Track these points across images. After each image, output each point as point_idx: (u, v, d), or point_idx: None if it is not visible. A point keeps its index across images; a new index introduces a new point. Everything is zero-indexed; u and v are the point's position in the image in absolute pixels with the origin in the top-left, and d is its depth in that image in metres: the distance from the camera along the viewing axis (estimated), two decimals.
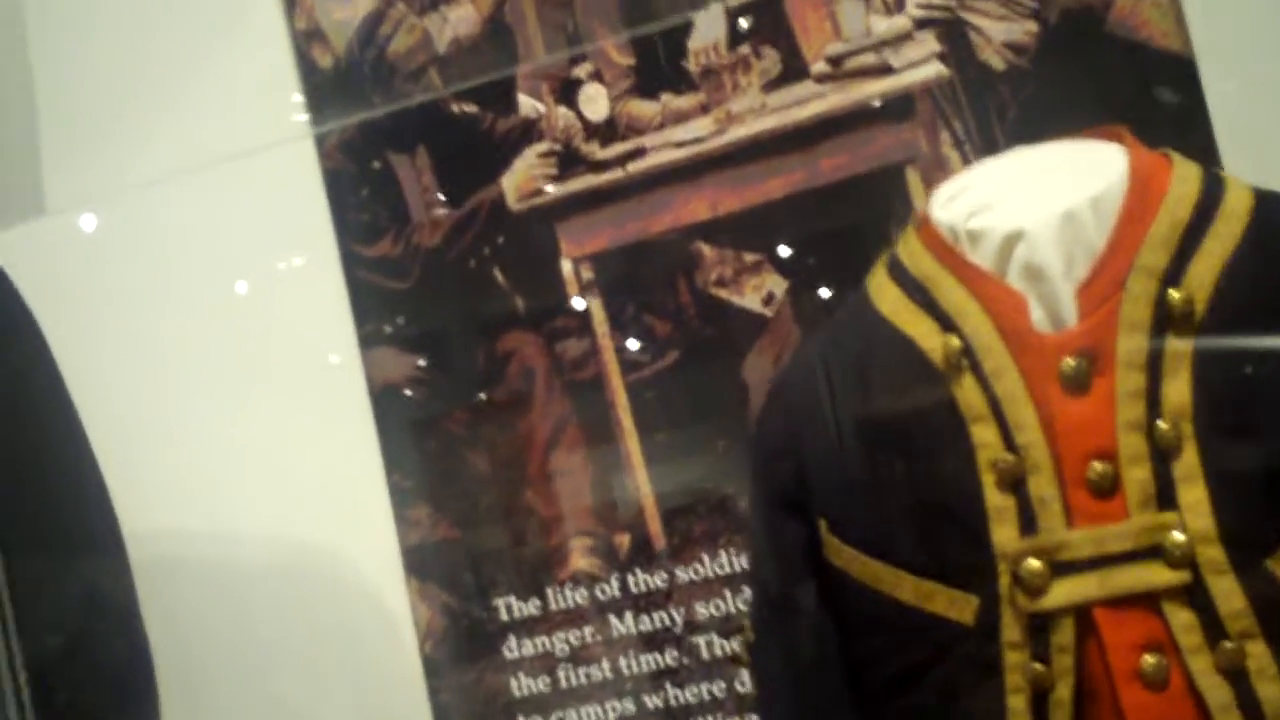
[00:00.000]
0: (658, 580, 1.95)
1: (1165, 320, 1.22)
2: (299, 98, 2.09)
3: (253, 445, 2.09)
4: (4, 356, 1.83)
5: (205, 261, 2.12)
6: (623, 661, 1.96)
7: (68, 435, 1.80)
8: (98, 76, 2.18)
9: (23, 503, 1.75)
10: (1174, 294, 1.22)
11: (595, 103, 1.96)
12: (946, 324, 1.29)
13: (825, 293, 1.89)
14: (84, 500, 1.80)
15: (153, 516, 2.05)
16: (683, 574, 1.94)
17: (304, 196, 2.08)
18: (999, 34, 1.82)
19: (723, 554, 1.92)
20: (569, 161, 1.98)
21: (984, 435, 1.25)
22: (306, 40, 2.10)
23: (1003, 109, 1.81)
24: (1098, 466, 1.21)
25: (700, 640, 1.93)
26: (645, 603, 1.95)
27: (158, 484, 2.09)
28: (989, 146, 1.81)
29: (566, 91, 1.98)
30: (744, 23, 1.91)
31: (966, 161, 1.81)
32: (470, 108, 2.02)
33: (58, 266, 2.13)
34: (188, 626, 2.07)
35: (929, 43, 1.85)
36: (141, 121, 2.15)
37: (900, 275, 1.35)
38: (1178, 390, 1.21)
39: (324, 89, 2.09)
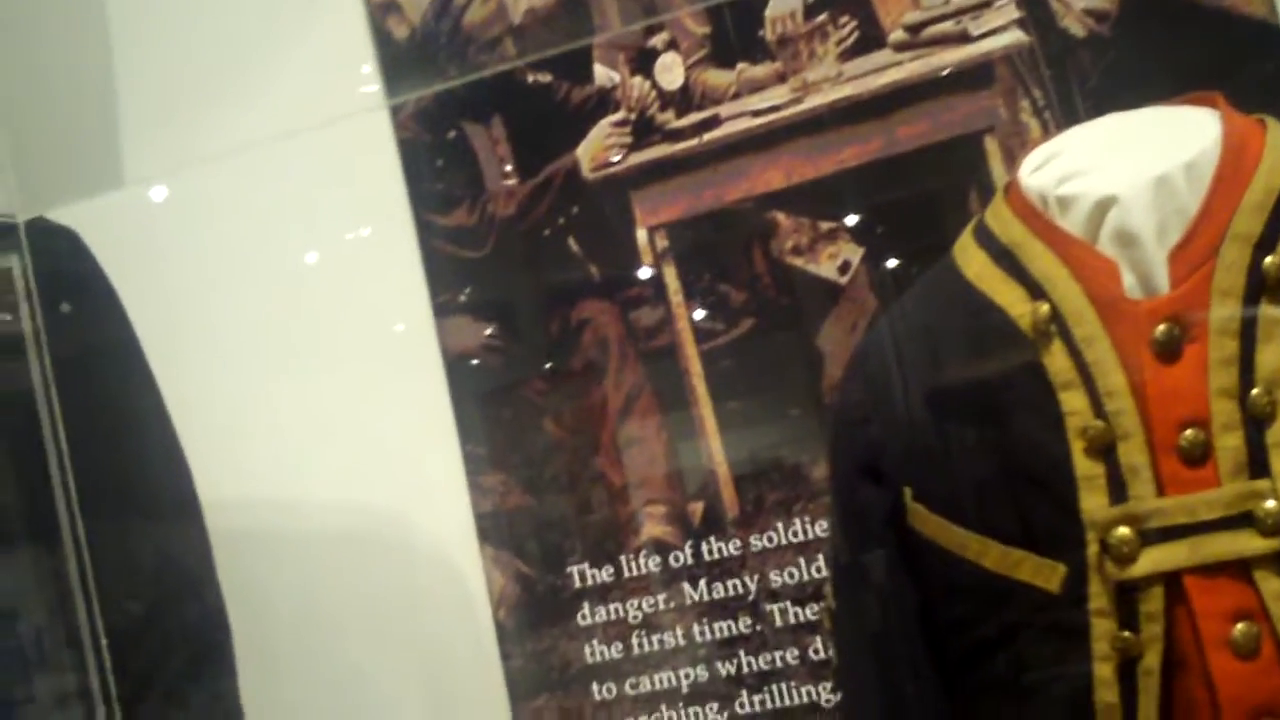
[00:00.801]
0: (731, 548, 1.95)
1: (1259, 287, 1.21)
2: (374, 69, 2.10)
3: (327, 414, 2.10)
4: (83, 323, 1.85)
5: (280, 232, 2.13)
6: (696, 629, 1.96)
7: (146, 402, 1.81)
8: (175, 49, 2.20)
9: (102, 468, 1.77)
10: (1269, 261, 1.20)
11: (671, 72, 1.96)
12: (1036, 291, 1.28)
13: (901, 261, 1.89)
14: (162, 466, 1.82)
15: (228, 485, 2.07)
16: (756, 541, 1.94)
17: (379, 166, 2.09)
18: (1079, 1, 1.80)
19: (796, 521, 1.92)
20: (644, 131, 1.98)
21: (1073, 402, 1.24)
22: (382, 12, 2.10)
23: (1083, 77, 1.80)
24: (1189, 434, 1.20)
25: (773, 608, 1.93)
26: (718, 570, 1.95)
27: (233, 453, 2.10)
28: (1069, 115, 1.79)
29: (642, 61, 1.98)
30: None
31: (1046, 130, 1.80)
32: (545, 77, 2.02)
33: (136, 237, 2.15)
34: (262, 593, 2.09)
35: (1009, 9, 1.84)
36: (219, 93, 2.16)
37: (988, 241, 1.34)
38: (1272, 357, 1.20)
39: (400, 60, 2.10)
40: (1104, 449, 1.23)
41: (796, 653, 1.91)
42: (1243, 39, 1.74)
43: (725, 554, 1.95)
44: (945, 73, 1.86)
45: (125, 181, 2.21)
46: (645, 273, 1.98)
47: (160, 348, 1.91)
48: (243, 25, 2.16)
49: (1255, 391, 1.19)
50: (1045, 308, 1.26)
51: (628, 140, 1.98)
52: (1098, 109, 1.73)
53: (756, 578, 1.94)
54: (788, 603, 1.92)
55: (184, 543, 1.83)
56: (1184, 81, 1.70)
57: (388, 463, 2.08)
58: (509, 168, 2.04)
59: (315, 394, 2.10)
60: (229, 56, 2.17)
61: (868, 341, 1.56)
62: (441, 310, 2.07)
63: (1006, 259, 1.31)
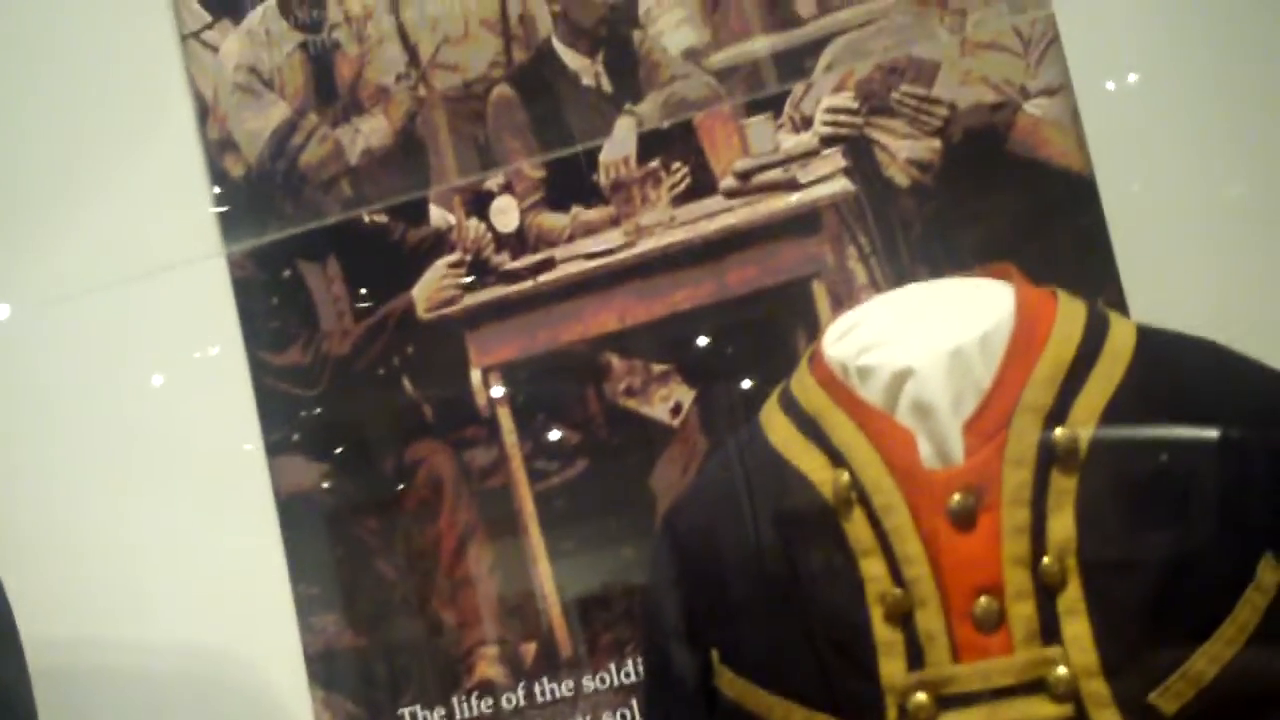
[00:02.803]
0: (564, 689, 1.95)
1: (1050, 457, 1.24)
2: (211, 205, 2.09)
3: (157, 552, 2.07)
4: None
5: (112, 366, 2.11)
6: None
7: None
8: (6, 183, 2.18)
9: None
10: (1059, 432, 1.24)
11: (506, 214, 1.98)
12: (837, 459, 1.30)
13: (732, 403, 1.91)
14: None
15: (54, 623, 2.04)
16: (588, 682, 1.94)
17: (213, 303, 2.08)
18: (904, 151, 1.85)
19: (629, 662, 1.93)
20: (479, 272, 1.99)
21: (872, 569, 1.26)
22: (219, 150, 2.10)
23: (908, 224, 1.85)
24: (983, 601, 1.23)
25: None
26: (551, 712, 1.95)
27: (60, 590, 2.07)
28: (894, 260, 1.84)
29: (477, 203, 2.00)
30: (655, 137, 1.94)
31: (872, 275, 1.84)
32: (381, 218, 2.03)
33: None
34: None
35: (835, 159, 1.88)
36: (53, 229, 2.14)
37: (792, 409, 1.37)
38: (1062, 526, 1.22)
39: (236, 197, 2.10)
40: (902, 616, 1.25)
41: None
42: (1059, 190, 1.80)
43: (558, 695, 1.95)
44: (779, 219, 1.89)
45: None
46: (479, 413, 1.99)
47: None
48: (78, 157, 2.15)
49: (1046, 560, 1.22)
50: (845, 476, 1.29)
51: (463, 281, 2.00)
52: (923, 256, 1.80)
53: (589, 719, 1.94)
54: None
55: (3, 681, 1.78)
56: (1004, 230, 1.78)
57: (219, 602, 2.05)
58: (344, 307, 2.04)
59: (146, 533, 2.08)
60: (63, 188, 2.15)
61: (677, 503, 1.57)
62: (274, 449, 2.06)
63: (809, 427, 1.34)
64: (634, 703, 1.92)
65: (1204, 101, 1.77)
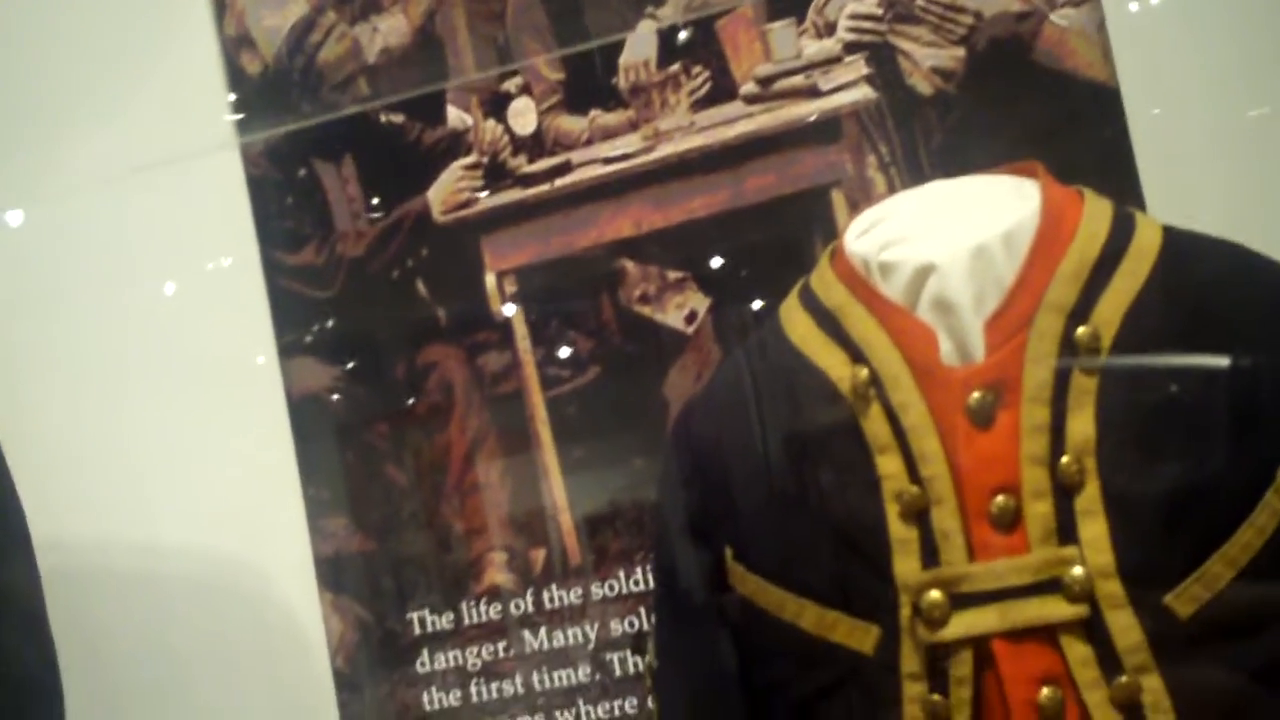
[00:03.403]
0: (572, 596, 1.95)
1: (1071, 356, 1.22)
2: (227, 104, 2.08)
3: (169, 453, 2.07)
4: None
5: (125, 266, 2.10)
6: (535, 677, 1.96)
7: None
8: (25, 79, 2.16)
9: None
10: (1081, 330, 1.22)
11: (524, 117, 1.96)
12: (856, 355, 1.29)
13: (747, 312, 1.90)
14: None
15: (66, 524, 2.04)
16: (597, 590, 1.94)
17: (227, 203, 2.07)
18: (927, 59, 1.83)
19: (638, 570, 1.92)
20: (495, 175, 1.98)
21: (889, 467, 1.26)
22: (235, 46, 2.08)
23: (929, 133, 1.83)
24: (1000, 500, 1.22)
25: (614, 657, 1.93)
26: (559, 618, 1.95)
27: (72, 491, 2.07)
28: (915, 170, 1.82)
29: (495, 104, 1.98)
30: (676, 41, 1.91)
31: (892, 184, 1.83)
32: (398, 118, 2.01)
33: None
34: (99, 637, 2.06)
35: (858, 66, 1.86)
36: (68, 125, 2.13)
37: (812, 305, 1.36)
38: (1082, 426, 1.21)
39: (252, 95, 2.08)
40: (918, 514, 1.24)
41: (636, 702, 1.91)
42: (1084, 101, 1.77)
43: (566, 602, 1.95)
44: (799, 125, 1.87)
45: None
46: (493, 318, 1.98)
47: None
48: (95, 55, 2.13)
49: (1065, 459, 1.21)
50: (864, 372, 1.27)
51: (479, 184, 1.98)
52: (943, 164, 1.78)
53: (597, 626, 1.93)
54: (628, 652, 1.92)
55: (14, 584, 1.78)
56: (1026, 141, 1.75)
57: (229, 503, 2.05)
58: (359, 208, 2.02)
59: (157, 432, 2.08)
60: (80, 85, 2.13)
61: (692, 403, 1.55)
62: (287, 350, 2.05)
63: (829, 322, 1.32)
64: (643, 611, 1.91)
65: (1231, 15, 1.75)
